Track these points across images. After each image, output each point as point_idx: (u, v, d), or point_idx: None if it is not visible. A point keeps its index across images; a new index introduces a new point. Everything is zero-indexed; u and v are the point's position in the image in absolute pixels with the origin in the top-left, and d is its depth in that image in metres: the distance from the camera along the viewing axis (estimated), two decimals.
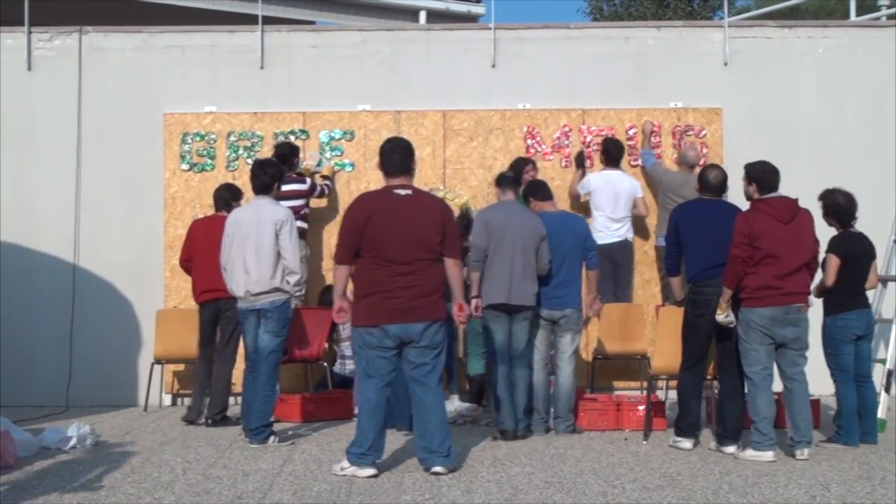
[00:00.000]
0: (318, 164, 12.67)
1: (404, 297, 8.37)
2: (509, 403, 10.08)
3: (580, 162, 12.73)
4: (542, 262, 10.16)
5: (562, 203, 12.12)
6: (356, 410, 11.01)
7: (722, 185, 9.85)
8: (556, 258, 10.29)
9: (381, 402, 8.47)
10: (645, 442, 9.89)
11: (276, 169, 10.29)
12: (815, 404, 10.86)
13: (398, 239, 8.39)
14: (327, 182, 12.58)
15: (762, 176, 9.43)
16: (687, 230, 9.65)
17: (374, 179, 12.78)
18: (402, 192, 8.59)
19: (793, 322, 9.15)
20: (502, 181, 10.61)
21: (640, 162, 12.75)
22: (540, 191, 10.85)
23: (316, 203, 12.53)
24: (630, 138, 12.85)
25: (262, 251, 9.81)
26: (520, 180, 11.50)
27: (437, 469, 8.38)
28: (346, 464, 8.41)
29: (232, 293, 10.04)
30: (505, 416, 10.06)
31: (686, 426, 9.61)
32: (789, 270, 9.12)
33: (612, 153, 12.53)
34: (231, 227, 10.07)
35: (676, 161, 12.62)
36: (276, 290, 9.81)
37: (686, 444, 9.54)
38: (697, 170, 11.47)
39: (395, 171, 8.65)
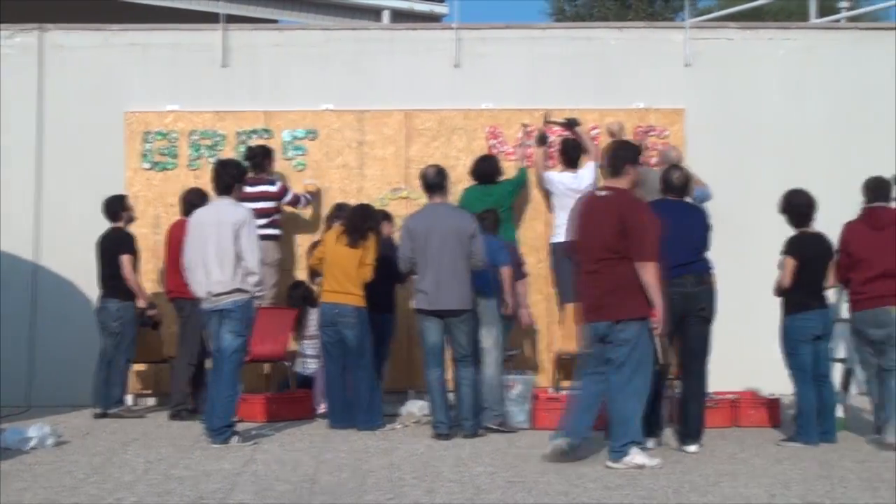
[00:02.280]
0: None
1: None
2: (443, 406, 10.19)
3: (542, 140, 12.73)
4: (475, 258, 10.18)
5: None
6: (319, 410, 11.06)
7: (684, 186, 9.91)
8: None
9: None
10: (606, 441, 9.90)
11: (238, 169, 10.28)
12: (775, 404, 10.97)
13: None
14: (307, 196, 12.53)
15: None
16: None
17: (335, 178, 12.81)
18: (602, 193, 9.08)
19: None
20: (426, 186, 10.55)
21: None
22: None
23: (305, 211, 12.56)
24: (593, 138, 12.87)
25: (222, 252, 9.78)
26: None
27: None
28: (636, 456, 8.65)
29: (194, 294, 10.03)
30: (439, 420, 10.17)
31: (648, 426, 9.64)
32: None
33: (570, 155, 12.55)
34: (193, 228, 10.05)
35: (658, 161, 12.65)
36: (238, 290, 9.78)
37: (648, 443, 9.57)
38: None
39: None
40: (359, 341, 10.54)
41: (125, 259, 11.54)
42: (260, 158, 12.13)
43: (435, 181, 10.49)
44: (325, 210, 12.40)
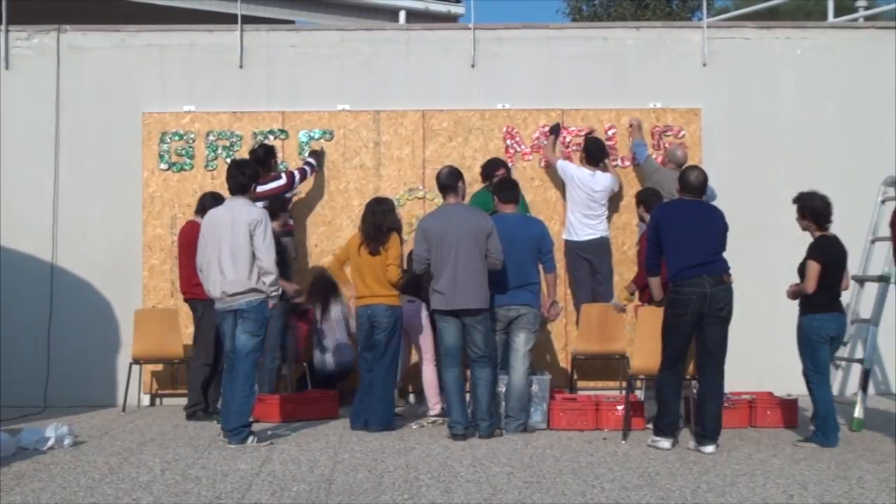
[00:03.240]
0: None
1: None
2: (459, 406, 10.16)
3: (555, 130, 12.73)
4: (492, 257, 10.14)
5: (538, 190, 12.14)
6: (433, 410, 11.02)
7: (702, 186, 9.86)
8: (510, 260, 10.30)
9: None
10: (624, 442, 9.90)
11: (253, 169, 10.27)
12: (792, 404, 10.93)
13: None
14: (309, 160, 12.51)
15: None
16: (668, 230, 9.67)
17: (352, 179, 12.80)
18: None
19: None
20: (440, 187, 10.58)
21: (631, 153, 12.72)
22: (504, 192, 10.91)
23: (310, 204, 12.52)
24: (609, 138, 12.84)
25: (237, 252, 9.78)
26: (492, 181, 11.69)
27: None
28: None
29: (209, 294, 10.03)
30: (455, 420, 10.13)
31: (665, 426, 9.63)
32: None
33: (593, 152, 12.52)
34: (207, 228, 10.05)
35: (664, 160, 12.62)
36: (253, 290, 9.78)
37: (664, 443, 9.56)
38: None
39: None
40: (388, 339, 10.51)
41: None
42: (265, 159, 12.08)
43: (447, 182, 10.49)
44: (318, 195, 12.40)
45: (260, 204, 10.63)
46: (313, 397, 11.51)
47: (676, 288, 9.58)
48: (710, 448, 9.39)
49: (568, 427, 10.58)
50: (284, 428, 10.68)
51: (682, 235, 9.59)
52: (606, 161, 12.58)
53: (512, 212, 10.76)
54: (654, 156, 12.62)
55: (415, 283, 10.91)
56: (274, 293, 9.92)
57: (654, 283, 10.04)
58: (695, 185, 9.81)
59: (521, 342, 10.51)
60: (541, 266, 10.64)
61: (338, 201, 12.73)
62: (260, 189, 11.15)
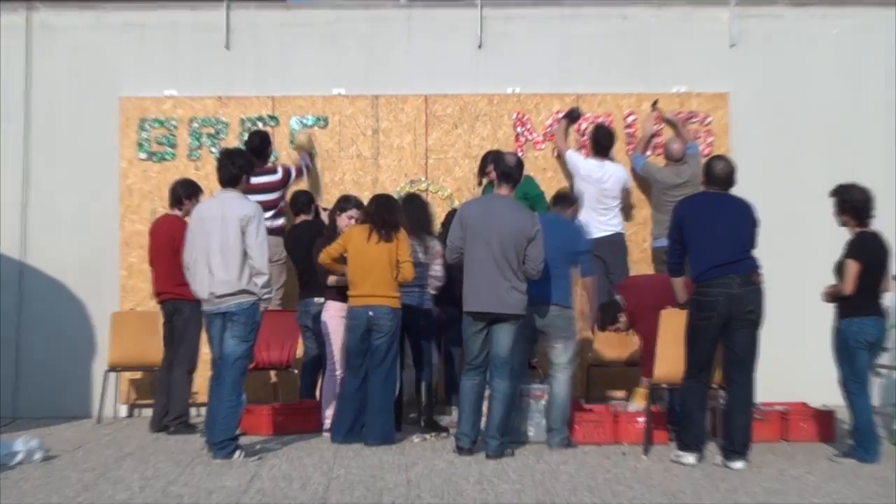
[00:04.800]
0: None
1: None
2: (471, 417, 10.08)
3: (572, 116, 12.74)
4: (531, 264, 9.97)
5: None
6: (326, 424, 10.99)
7: (729, 178, 9.82)
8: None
9: None
10: (645, 456, 9.90)
11: (245, 160, 10.21)
12: (828, 416, 10.93)
13: None
14: (307, 162, 12.55)
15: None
16: (691, 227, 9.64)
17: (349, 170, 12.82)
18: None
19: None
20: (501, 174, 10.25)
21: (632, 165, 12.77)
22: (559, 200, 11.08)
23: None
24: (628, 125, 12.85)
25: (227, 250, 9.76)
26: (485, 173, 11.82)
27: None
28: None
29: (196, 295, 10.01)
30: (463, 432, 10.06)
31: (689, 439, 9.62)
32: None
33: (601, 142, 12.53)
34: (195, 224, 10.04)
35: (664, 156, 12.66)
36: (243, 291, 9.77)
37: (689, 458, 9.55)
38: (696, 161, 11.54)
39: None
40: (388, 346, 10.49)
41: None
42: (261, 147, 12.12)
43: (511, 171, 10.20)
44: (314, 185, 12.41)
45: (253, 198, 10.58)
46: (306, 408, 11.51)
47: (701, 289, 9.56)
48: (738, 464, 9.38)
49: (584, 441, 10.58)
50: (275, 441, 10.68)
51: (708, 232, 9.56)
52: (624, 149, 12.58)
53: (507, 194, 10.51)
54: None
55: (448, 282, 10.93)
56: (266, 295, 9.90)
57: (678, 284, 10.03)
58: (721, 176, 9.77)
59: (560, 351, 10.49)
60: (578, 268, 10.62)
61: (333, 194, 12.69)
62: (254, 181, 11.14)
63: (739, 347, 9.50)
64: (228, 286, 9.75)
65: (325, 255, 10.83)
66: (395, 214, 10.57)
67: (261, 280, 9.79)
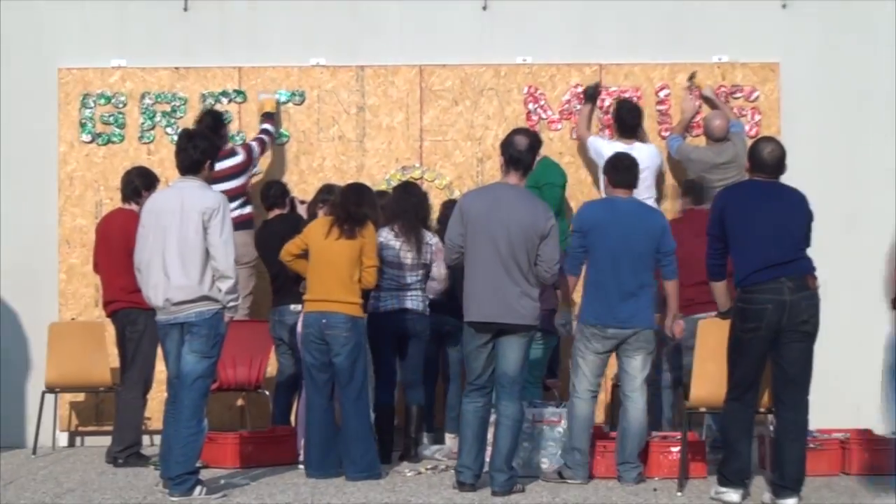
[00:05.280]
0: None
1: None
2: (474, 447, 10.01)
3: (591, 95, 12.78)
4: (544, 266, 9.93)
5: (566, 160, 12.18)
6: (301, 455, 11.01)
7: (779, 163, 9.81)
8: (623, 261, 10.29)
9: None
10: (680, 493, 9.91)
11: (209, 142, 10.15)
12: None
13: None
14: (265, 127, 12.58)
15: None
16: (734, 221, 9.62)
17: (329, 154, 12.83)
18: None
19: None
20: (509, 158, 10.08)
21: (667, 148, 12.79)
22: (618, 173, 10.76)
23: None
24: (661, 101, 12.87)
25: (186, 248, 9.73)
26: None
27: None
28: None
29: (149, 302, 9.99)
30: (464, 464, 9.99)
31: (732, 473, 9.62)
32: None
33: (626, 120, 12.53)
34: (148, 218, 10.00)
35: (704, 133, 12.68)
36: (205, 298, 9.76)
37: (733, 495, 9.55)
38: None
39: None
40: (350, 362, 10.47)
41: None
42: (215, 128, 12.07)
43: (520, 156, 10.05)
44: (293, 171, 12.45)
45: (218, 187, 10.58)
46: (279, 435, 11.53)
47: (747, 295, 9.55)
48: (790, 501, 9.39)
49: (608, 475, 10.58)
50: (242, 475, 10.70)
51: (754, 227, 9.54)
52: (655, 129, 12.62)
53: (624, 196, 10.62)
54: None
55: (451, 287, 10.96)
56: (232, 303, 9.88)
57: (719, 288, 10.03)
58: (769, 161, 9.74)
59: (639, 366, 10.44)
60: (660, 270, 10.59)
61: (311, 184, 12.71)
62: (217, 167, 11.15)
63: (791, 364, 9.49)
64: (187, 292, 9.74)
65: (285, 252, 10.80)
66: (363, 207, 10.56)
67: (225, 285, 9.78)
